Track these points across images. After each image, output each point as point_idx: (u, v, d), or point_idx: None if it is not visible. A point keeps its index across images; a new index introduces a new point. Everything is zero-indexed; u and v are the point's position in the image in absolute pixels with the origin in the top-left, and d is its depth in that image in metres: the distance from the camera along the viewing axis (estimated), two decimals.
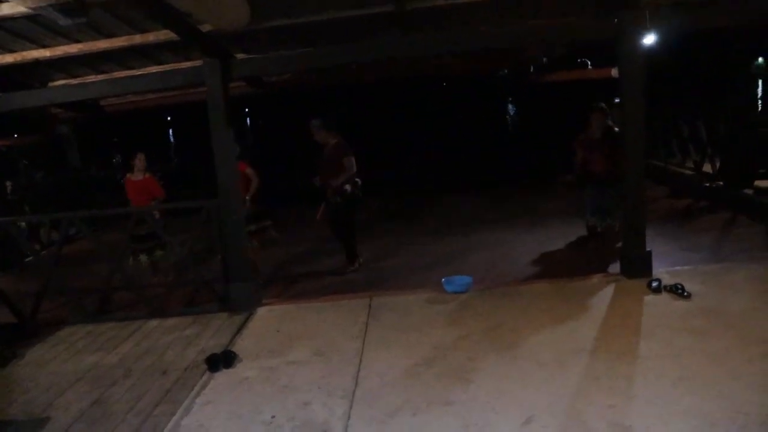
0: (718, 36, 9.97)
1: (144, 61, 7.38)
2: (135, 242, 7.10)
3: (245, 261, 6.28)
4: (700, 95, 12.78)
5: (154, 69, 7.38)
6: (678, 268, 6.00)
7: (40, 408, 4.29)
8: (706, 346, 4.24)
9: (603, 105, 7.08)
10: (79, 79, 7.66)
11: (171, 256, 7.01)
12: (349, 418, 3.75)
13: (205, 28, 5.77)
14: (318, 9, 5.93)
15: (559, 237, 7.99)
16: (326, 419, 3.76)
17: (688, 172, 11.23)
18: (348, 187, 7.02)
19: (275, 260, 8.27)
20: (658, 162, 12.02)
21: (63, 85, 7.64)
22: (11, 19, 5.29)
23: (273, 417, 3.86)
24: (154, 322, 5.98)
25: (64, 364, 5.11)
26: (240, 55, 6.85)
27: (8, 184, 11.64)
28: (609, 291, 5.60)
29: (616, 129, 6.73)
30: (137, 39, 6.20)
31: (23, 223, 9.21)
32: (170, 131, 29.87)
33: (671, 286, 5.32)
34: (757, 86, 14.57)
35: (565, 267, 6.72)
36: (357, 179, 7.13)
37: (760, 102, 14.35)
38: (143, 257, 7.32)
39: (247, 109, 27.59)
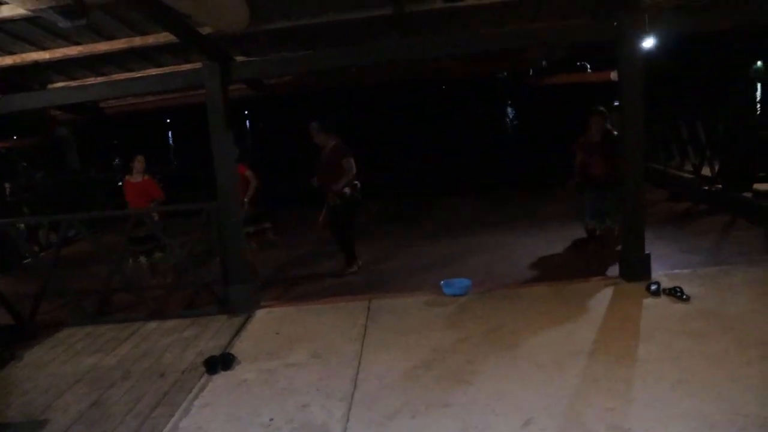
0: (718, 39, 9.99)
1: (144, 64, 7.39)
2: (134, 244, 7.10)
3: (244, 263, 6.28)
4: (699, 98, 12.79)
5: (153, 71, 7.38)
6: (677, 271, 6.01)
7: (39, 410, 4.28)
8: (705, 349, 4.24)
9: (602, 108, 7.09)
10: (78, 81, 7.66)
11: (170, 258, 7.01)
12: (347, 420, 3.75)
13: (205, 30, 5.77)
14: (317, 11, 5.94)
15: (558, 240, 7.99)
16: (325, 421, 3.76)
17: (687, 175, 11.24)
18: (347, 189, 7.03)
19: (274, 262, 8.27)
20: (657, 165, 12.04)
21: (62, 87, 7.64)
22: (10, 21, 5.30)
23: (271, 419, 3.86)
24: (152, 324, 5.98)
25: (62, 366, 5.11)
26: (239, 58, 6.86)
27: (7, 185, 11.62)
28: (608, 294, 5.60)
29: (615, 132, 6.73)
30: (137, 41, 6.21)
31: (22, 225, 9.20)
32: (170, 133, 29.90)
33: (670, 289, 5.32)
34: (756, 89, 14.58)
35: (565, 270, 6.72)
36: (356, 182, 7.14)
37: (759, 105, 14.36)
38: (143, 259, 7.33)
39: (246, 112, 27.63)
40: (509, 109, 29.27)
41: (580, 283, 6.00)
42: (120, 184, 7.87)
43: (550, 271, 6.84)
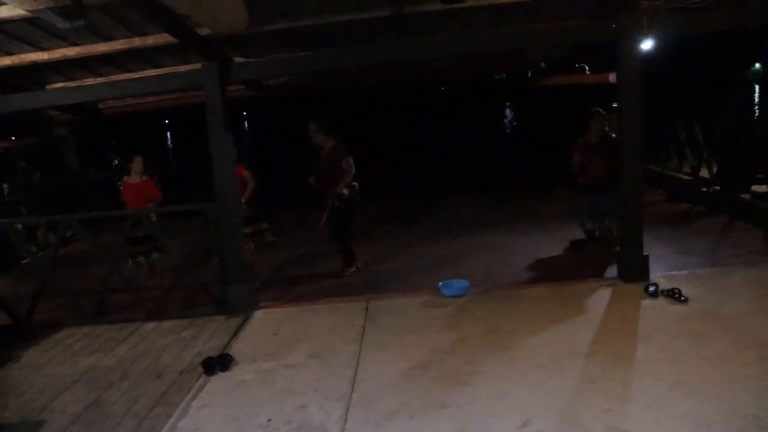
0: (716, 41, 10.00)
1: (142, 64, 7.40)
2: (132, 244, 7.10)
3: (242, 263, 6.27)
4: (697, 100, 12.81)
5: (152, 72, 7.39)
6: (675, 272, 6.01)
7: (36, 411, 4.27)
8: (703, 350, 4.25)
9: (602, 110, 7.09)
10: (77, 81, 7.67)
11: (168, 258, 7.00)
12: (345, 421, 3.75)
13: (204, 31, 5.77)
14: (316, 12, 5.94)
15: (558, 240, 8.00)
16: (323, 422, 3.76)
17: (685, 176, 11.25)
18: (345, 190, 7.03)
19: (273, 263, 8.26)
20: (655, 166, 12.04)
21: (61, 88, 7.65)
22: (9, 21, 5.31)
23: (269, 420, 3.85)
24: (150, 325, 5.97)
25: (60, 367, 5.10)
26: (238, 59, 6.87)
27: (5, 185, 11.59)
28: (606, 295, 5.61)
29: (613, 135, 6.74)
30: (136, 42, 6.21)
31: (20, 225, 9.19)
32: (168, 134, 29.91)
33: (668, 291, 5.33)
34: (754, 91, 14.61)
35: (563, 271, 6.72)
36: (354, 183, 7.14)
37: (757, 107, 14.38)
38: (141, 259, 7.33)
39: (245, 112, 27.65)
40: (508, 110, 29.33)
41: (578, 284, 6.01)
42: (119, 184, 7.86)
43: (549, 271, 6.84)
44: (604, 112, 7.05)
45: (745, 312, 4.86)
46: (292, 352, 4.95)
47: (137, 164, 7.53)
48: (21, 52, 6.32)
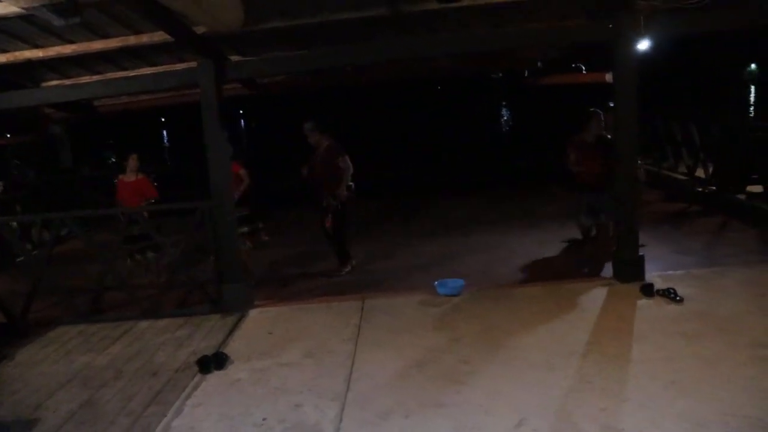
0: (712, 42, 10.03)
1: (138, 62, 7.37)
2: (128, 243, 7.08)
3: (238, 262, 6.26)
4: (693, 100, 12.84)
5: (147, 70, 7.36)
6: (670, 272, 6.02)
7: (30, 409, 4.25)
8: (698, 350, 4.25)
9: (599, 110, 7.09)
10: (72, 79, 7.63)
11: (164, 257, 6.99)
12: (340, 420, 3.74)
13: (200, 29, 5.76)
14: (313, 11, 5.93)
15: (554, 240, 8.01)
16: (318, 421, 3.75)
17: (680, 176, 11.28)
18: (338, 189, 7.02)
19: (269, 262, 8.25)
20: (651, 166, 12.06)
21: (56, 86, 7.61)
22: (4, 18, 5.28)
23: (264, 419, 3.84)
24: (145, 323, 5.95)
25: (54, 365, 5.08)
26: (234, 57, 6.85)
27: (0, 183, 11.57)
28: (602, 294, 5.61)
29: (609, 136, 6.74)
30: (131, 40, 6.19)
31: (15, 223, 9.16)
32: (164, 132, 29.85)
33: (664, 290, 5.33)
34: (750, 92, 14.66)
35: (560, 270, 6.74)
36: (351, 183, 7.13)
37: (752, 107, 14.43)
38: (139, 257, 7.32)
39: (241, 111, 27.61)
40: (505, 109, 29.38)
41: (574, 283, 6.01)
42: (114, 182, 7.84)
43: (545, 271, 6.85)
44: (601, 112, 7.05)
45: (740, 312, 4.86)
46: (287, 351, 4.93)
47: (133, 162, 7.52)
48: (16, 50, 6.29)
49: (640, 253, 5.94)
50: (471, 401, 3.82)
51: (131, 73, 7.44)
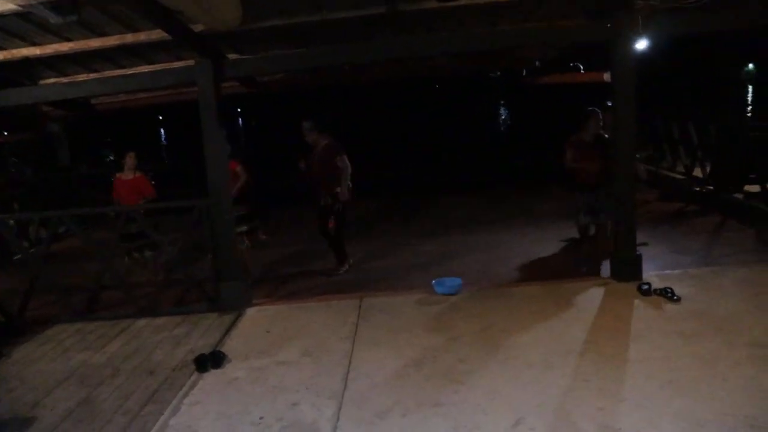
0: (711, 41, 10.02)
1: (135, 61, 7.35)
2: (125, 241, 7.07)
3: (236, 261, 6.26)
4: (691, 99, 12.85)
5: (145, 68, 7.35)
6: (668, 271, 6.03)
7: (27, 407, 4.25)
8: (695, 349, 4.26)
9: (598, 110, 7.09)
10: (70, 77, 7.61)
11: (161, 255, 6.98)
12: (338, 419, 3.74)
13: (198, 27, 5.74)
14: (311, 10, 5.91)
15: (553, 239, 8.01)
16: (315, 420, 3.75)
17: (678, 175, 11.29)
18: (339, 189, 7.01)
19: (267, 260, 8.24)
20: (648, 165, 12.06)
21: (54, 84, 7.58)
22: (1, 16, 5.24)
23: (261, 418, 3.84)
24: (142, 321, 5.94)
25: (51, 363, 5.07)
26: (232, 56, 6.83)
27: None
28: (599, 294, 5.62)
29: (606, 136, 6.74)
30: (129, 38, 6.17)
31: (12, 221, 9.14)
32: (162, 130, 29.81)
33: (661, 290, 5.34)
34: (748, 91, 14.66)
35: (558, 269, 6.74)
36: (348, 183, 7.13)
37: (750, 107, 14.44)
38: (136, 255, 7.31)
39: (239, 109, 27.58)
40: (503, 108, 29.39)
41: (571, 282, 6.01)
42: (112, 180, 7.84)
43: (543, 270, 6.86)
44: (599, 112, 7.05)
45: (737, 311, 4.87)
46: (285, 350, 4.93)
47: (130, 160, 7.51)
48: (13, 47, 6.27)
49: (640, 252, 5.95)
50: (469, 400, 3.82)
51: (129, 72, 7.42)
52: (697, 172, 10.49)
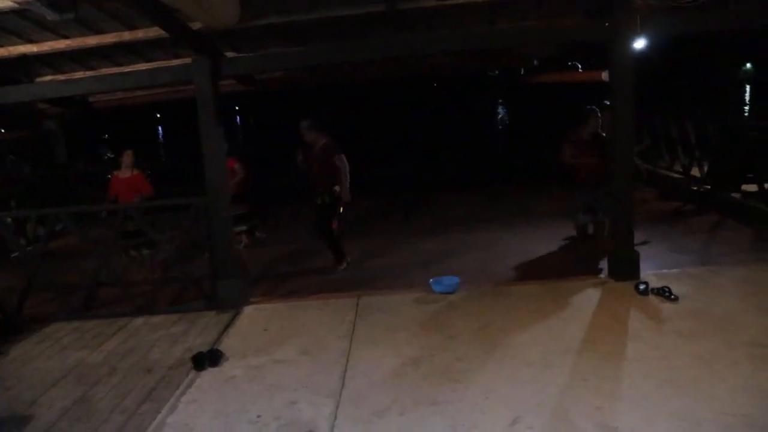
0: (708, 41, 10.02)
1: (133, 58, 7.34)
2: (123, 238, 7.06)
3: (233, 259, 6.24)
4: (689, 99, 12.85)
5: (142, 66, 7.34)
6: (665, 270, 6.03)
7: (24, 405, 4.24)
8: (693, 348, 4.26)
9: (597, 109, 7.10)
10: (67, 74, 7.61)
11: (159, 253, 6.97)
12: (335, 417, 3.73)
13: (195, 25, 5.73)
14: (309, 7, 5.91)
15: (552, 237, 8.01)
16: (313, 418, 3.75)
17: (676, 175, 11.30)
18: (337, 188, 7.01)
19: (266, 258, 8.23)
20: (646, 164, 12.06)
21: (50, 81, 7.58)
22: None
23: (259, 416, 3.84)
24: (140, 320, 5.93)
25: (48, 361, 5.06)
26: (230, 53, 6.82)
27: None
28: (597, 293, 5.62)
29: (604, 134, 6.75)
30: (126, 36, 6.16)
31: (9, 219, 9.11)
32: (159, 128, 29.75)
33: (659, 289, 5.34)
34: (745, 91, 14.67)
35: (556, 268, 6.73)
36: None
37: (748, 107, 14.45)
38: (133, 253, 7.30)
39: (237, 107, 27.53)
40: (502, 107, 29.38)
41: (569, 281, 6.01)
42: (109, 178, 7.82)
43: (542, 269, 6.85)
44: (598, 110, 7.05)
45: (735, 310, 4.88)
46: (282, 348, 4.93)
47: (127, 158, 7.50)
48: (10, 44, 6.25)
49: (638, 251, 5.95)
50: (466, 399, 3.82)
51: (126, 69, 7.41)
52: (695, 172, 10.50)
